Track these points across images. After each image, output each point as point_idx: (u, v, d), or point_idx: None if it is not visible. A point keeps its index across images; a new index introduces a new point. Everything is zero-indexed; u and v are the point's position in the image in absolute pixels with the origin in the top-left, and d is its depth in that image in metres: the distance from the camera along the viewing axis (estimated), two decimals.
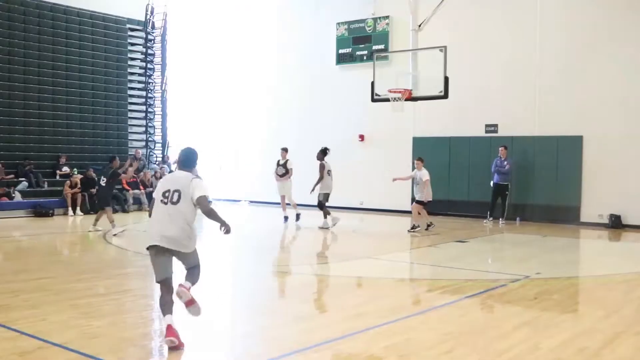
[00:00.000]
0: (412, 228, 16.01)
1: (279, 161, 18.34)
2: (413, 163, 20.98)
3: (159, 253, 6.47)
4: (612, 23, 17.82)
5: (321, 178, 16.90)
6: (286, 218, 18.07)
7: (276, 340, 6.63)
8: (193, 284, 6.68)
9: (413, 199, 16.59)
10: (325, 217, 16.66)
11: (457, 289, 9.15)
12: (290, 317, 7.53)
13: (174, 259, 6.56)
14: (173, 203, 6.43)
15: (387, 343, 6.32)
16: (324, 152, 17.13)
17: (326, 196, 16.98)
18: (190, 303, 6.53)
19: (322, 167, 16.90)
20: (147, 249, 6.57)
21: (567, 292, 9.41)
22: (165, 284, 6.51)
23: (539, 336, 6.63)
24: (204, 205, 6.46)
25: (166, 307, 6.38)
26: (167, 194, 6.51)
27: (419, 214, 16.22)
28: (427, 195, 16.02)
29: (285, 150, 18.36)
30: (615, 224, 17.32)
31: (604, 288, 9.70)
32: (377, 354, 6.01)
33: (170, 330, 6.13)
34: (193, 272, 6.73)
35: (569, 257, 13.25)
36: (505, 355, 5.95)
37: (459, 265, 11.44)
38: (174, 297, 6.46)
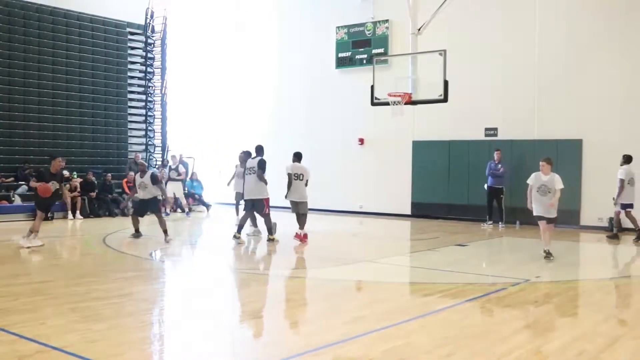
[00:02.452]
0: (548, 254, 12.24)
1: (170, 166, 21.39)
2: (414, 166, 21.15)
3: (296, 204, 14.45)
4: (612, 27, 17.85)
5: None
6: (167, 213, 20.41)
7: (275, 344, 6.62)
8: (302, 227, 14.36)
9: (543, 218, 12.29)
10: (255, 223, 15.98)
11: (457, 293, 9.15)
12: (289, 320, 7.53)
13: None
14: (300, 180, 14.44)
15: (387, 347, 6.31)
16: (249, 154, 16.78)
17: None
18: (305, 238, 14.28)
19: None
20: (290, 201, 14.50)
21: (567, 295, 9.40)
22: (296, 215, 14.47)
23: (538, 340, 6.62)
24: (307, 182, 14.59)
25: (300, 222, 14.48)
26: (296, 175, 14.41)
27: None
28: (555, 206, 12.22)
29: (174, 156, 21.79)
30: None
31: (603, 291, 9.70)
32: (377, 357, 6.00)
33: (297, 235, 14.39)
34: (304, 217, 14.40)
35: (569, 261, 13.24)
36: (505, 359, 5.94)
37: (458, 268, 11.43)
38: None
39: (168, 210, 20.89)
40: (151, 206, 14.70)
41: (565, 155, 18.20)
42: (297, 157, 14.85)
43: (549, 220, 12.27)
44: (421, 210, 20.96)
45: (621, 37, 17.76)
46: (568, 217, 18.10)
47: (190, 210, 21.86)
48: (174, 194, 21.28)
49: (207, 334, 6.92)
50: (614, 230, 16.24)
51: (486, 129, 19.81)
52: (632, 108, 17.56)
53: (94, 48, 23.83)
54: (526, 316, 7.73)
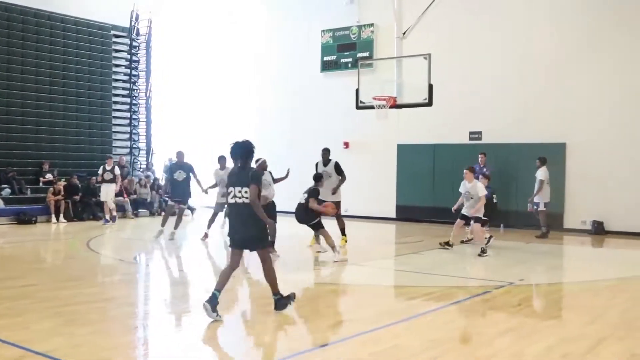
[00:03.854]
0: (446, 244, 13.89)
1: (105, 167, 19.71)
2: (399, 170, 21.22)
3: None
4: (597, 32, 18.00)
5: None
6: (107, 220, 19.55)
7: (263, 348, 6.61)
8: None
9: (465, 217, 13.63)
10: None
11: (442, 296, 9.18)
12: (277, 324, 7.52)
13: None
14: None
15: (373, 350, 6.32)
16: None
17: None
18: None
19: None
20: None
21: (550, 298, 9.46)
22: None
23: (523, 342, 6.66)
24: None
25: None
26: None
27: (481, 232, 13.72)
28: (478, 210, 13.34)
29: (111, 157, 20.46)
30: (598, 231, 17.47)
31: (587, 294, 9.77)
32: None
33: None
34: None
35: (553, 264, 13.32)
36: None
37: (443, 272, 11.48)
38: None
39: (108, 217, 19.60)
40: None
41: (549, 159, 18.30)
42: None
43: (475, 220, 13.46)
44: (406, 213, 21.00)
45: (606, 42, 17.89)
46: (552, 220, 18.22)
47: (111, 219, 19.59)
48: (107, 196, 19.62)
49: (191, 339, 6.90)
50: (543, 230, 17.00)
51: (471, 133, 19.91)
52: (614, 112, 17.71)
53: (78, 51, 23.70)
54: (510, 319, 7.77)
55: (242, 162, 7.65)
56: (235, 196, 7.48)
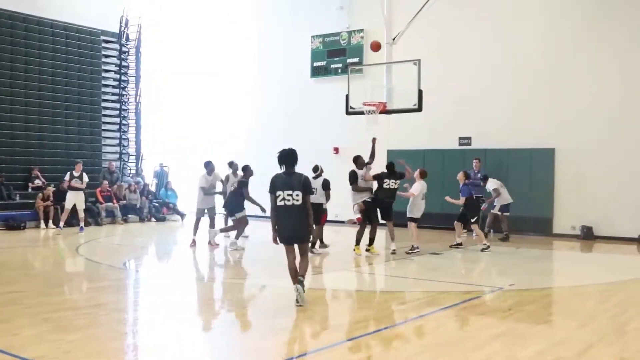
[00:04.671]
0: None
1: (72, 173, 18.68)
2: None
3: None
4: (588, 38, 18.12)
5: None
6: (82, 228, 18.69)
7: (253, 353, 6.59)
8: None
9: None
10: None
11: (432, 301, 9.19)
12: (267, 329, 7.50)
13: None
14: None
15: (364, 355, 6.31)
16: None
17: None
18: None
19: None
20: None
21: (541, 303, 9.47)
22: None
23: (514, 347, 6.66)
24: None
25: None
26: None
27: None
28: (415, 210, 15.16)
29: (80, 162, 19.16)
30: (587, 236, 17.54)
31: (577, 299, 9.79)
32: None
33: None
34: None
35: (543, 269, 13.36)
36: None
37: (433, 277, 11.48)
38: None
39: (62, 225, 18.73)
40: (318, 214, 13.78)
41: (538, 164, 18.41)
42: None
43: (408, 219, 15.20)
44: (396, 218, 20.91)
45: (594, 50, 18.01)
46: (541, 226, 18.30)
47: (85, 225, 19.13)
48: (75, 205, 18.52)
49: (181, 344, 6.86)
50: (489, 232, 17.61)
51: (460, 138, 19.96)
52: (604, 117, 17.80)
53: (68, 56, 23.59)
54: (501, 324, 7.78)
55: (289, 168, 8.48)
56: (284, 199, 8.30)
